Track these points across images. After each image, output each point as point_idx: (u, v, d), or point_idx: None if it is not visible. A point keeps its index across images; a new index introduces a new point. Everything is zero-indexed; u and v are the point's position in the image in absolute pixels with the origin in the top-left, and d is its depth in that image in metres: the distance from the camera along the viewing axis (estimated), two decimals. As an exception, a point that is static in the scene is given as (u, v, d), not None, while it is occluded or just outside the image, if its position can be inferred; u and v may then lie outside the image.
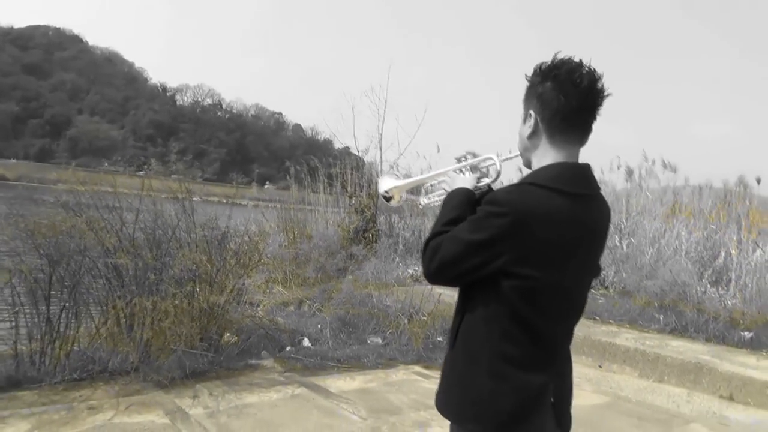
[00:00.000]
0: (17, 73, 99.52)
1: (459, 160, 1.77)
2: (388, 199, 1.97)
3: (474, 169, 1.73)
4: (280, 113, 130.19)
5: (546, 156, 1.48)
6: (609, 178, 10.46)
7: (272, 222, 9.86)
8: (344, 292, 6.77)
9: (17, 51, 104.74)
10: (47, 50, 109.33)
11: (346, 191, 11.43)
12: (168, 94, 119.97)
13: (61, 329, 4.11)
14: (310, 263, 8.94)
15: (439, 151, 14.48)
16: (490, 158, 1.73)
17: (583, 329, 6.07)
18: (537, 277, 1.39)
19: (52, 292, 4.00)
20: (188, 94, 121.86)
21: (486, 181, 1.70)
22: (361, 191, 13.03)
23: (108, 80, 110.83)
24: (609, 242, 9.21)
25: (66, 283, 4.06)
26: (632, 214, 9.41)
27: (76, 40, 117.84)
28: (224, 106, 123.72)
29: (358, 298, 6.50)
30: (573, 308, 1.52)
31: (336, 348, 5.43)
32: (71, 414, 3.44)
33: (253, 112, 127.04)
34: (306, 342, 5.68)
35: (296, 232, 9.97)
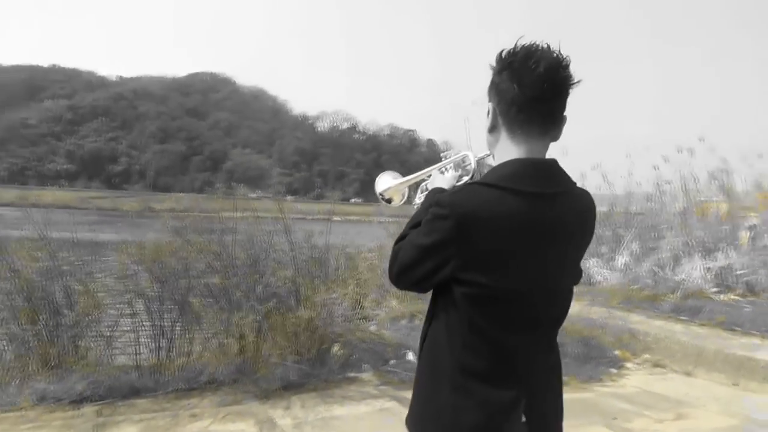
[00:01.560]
0: (182, 117, 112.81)
1: (443, 158, 1.68)
2: (388, 200, 1.85)
3: (457, 166, 1.63)
4: (414, 131, 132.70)
5: (506, 152, 1.35)
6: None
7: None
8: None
9: (181, 97, 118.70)
10: (204, 94, 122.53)
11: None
12: (308, 122, 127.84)
13: (175, 343, 4.54)
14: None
15: (566, 154, 13.84)
16: (467, 156, 1.62)
17: (717, 341, 5.39)
18: (485, 284, 1.26)
19: (163, 311, 4.42)
20: (327, 121, 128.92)
21: (465, 179, 1.59)
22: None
23: (256, 115, 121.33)
24: (758, 242, 8.12)
25: (176, 300, 4.48)
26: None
27: (227, 83, 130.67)
28: (360, 128, 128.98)
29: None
30: (539, 317, 1.35)
31: (437, 362, 5.35)
32: (175, 421, 3.76)
33: (387, 132, 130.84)
34: (410, 356, 5.66)
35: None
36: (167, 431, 3.60)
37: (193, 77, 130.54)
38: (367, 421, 3.86)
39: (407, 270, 1.37)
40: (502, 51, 1.32)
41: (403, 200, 1.87)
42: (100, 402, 3.96)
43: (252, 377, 4.43)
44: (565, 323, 4.61)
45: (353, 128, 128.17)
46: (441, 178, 1.60)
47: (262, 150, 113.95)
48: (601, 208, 14.26)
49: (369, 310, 7.63)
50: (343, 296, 4.98)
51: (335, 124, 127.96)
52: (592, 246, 11.70)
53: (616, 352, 5.82)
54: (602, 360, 5.56)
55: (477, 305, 1.29)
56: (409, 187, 1.85)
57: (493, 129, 1.38)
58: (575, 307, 7.40)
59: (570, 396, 4.55)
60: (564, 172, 1.35)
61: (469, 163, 1.61)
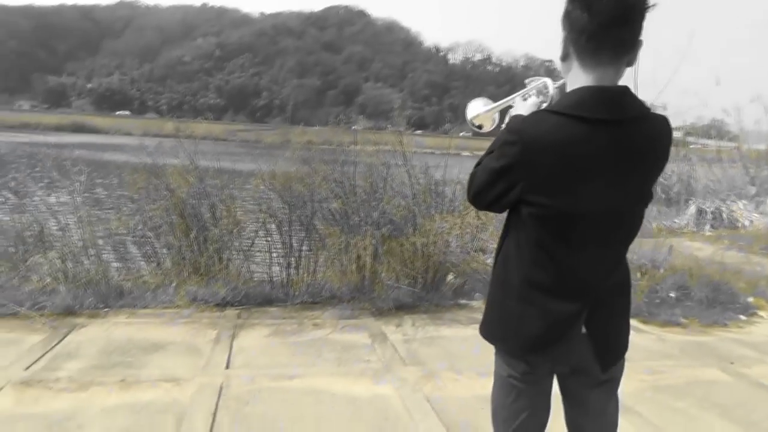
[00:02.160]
0: (318, 52, 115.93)
1: (526, 85, 1.72)
2: (479, 127, 1.86)
3: (539, 93, 1.67)
4: (551, 61, 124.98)
5: (577, 79, 1.39)
6: None
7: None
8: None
9: (317, 32, 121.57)
10: (339, 27, 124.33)
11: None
12: (441, 54, 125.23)
13: (302, 261, 5.04)
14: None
15: (718, 84, 12.43)
16: (546, 83, 1.65)
17: None
18: (549, 205, 1.36)
19: (292, 232, 4.91)
20: (459, 52, 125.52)
21: (545, 105, 1.63)
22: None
23: (388, 48, 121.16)
24: None
25: (302, 222, 4.94)
26: None
27: (361, 15, 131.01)
28: (494, 60, 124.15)
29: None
30: (604, 237, 1.41)
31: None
32: (300, 327, 4.25)
33: (522, 63, 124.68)
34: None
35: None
36: (294, 335, 4.09)
37: (328, 11, 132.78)
38: (471, 342, 4.07)
39: (481, 192, 1.50)
40: None
41: (494, 126, 1.85)
42: (239, 307, 4.57)
43: (368, 296, 4.81)
44: (693, 265, 4.45)
45: (487, 60, 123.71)
46: (523, 104, 1.66)
47: (393, 84, 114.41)
48: (758, 146, 12.80)
49: (487, 242, 7.76)
50: (458, 227, 5.12)
51: (468, 56, 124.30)
52: (739, 188, 10.68)
53: (749, 299, 5.45)
54: (731, 306, 5.25)
55: (543, 224, 1.40)
56: (500, 113, 1.88)
57: (565, 57, 1.42)
58: (707, 251, 6.96)
59: (686, 338, 4.45)
60: (635, 98, 1.37)
61: (549, 90, 1.65)
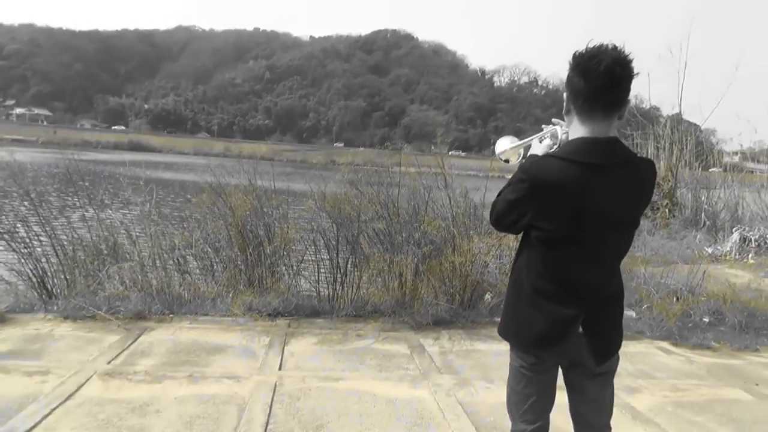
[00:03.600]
0: (364, 74, 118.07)
1: (543, 130, 2.06)
2: (506, 160, 2.23)
3: (552, 137, 2.01)
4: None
5: (576, 131, 1.74)
6: None
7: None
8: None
9: (364, 55, 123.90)
10: (386, 50, 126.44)
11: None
12: (486, 77, 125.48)
13: (347, 278, 5.42)
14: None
15: (768, 111, 12.32)
16: (557, 130, 1.98)
17: None
18: (551, 230, 1.71)
19: (339, 249, 5.30)
20: (505, 75, 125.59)
21: (555, 147, 1.96)
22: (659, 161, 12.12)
23: (434, 70, 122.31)
24: None
25: (348, 240, 5.33)
26: None
27: (408, 39, 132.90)
28: (540, 83, 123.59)
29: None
30: (597, 256, 1.73)
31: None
32: (344, 337, 4.62)
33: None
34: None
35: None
36: (339, 344, 4.46)
37: (376, 34, 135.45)
38: (505, 356, 4.29)
39: (500, 218, 1.86)
40: (575, 51, 1.69)
41: (519, 160, 2.21)
42: (289, 317, 4.97)
43: (408, 311, 5.14)
44: (728, 292, 4.67)
45: (533, 82, 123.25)
46: (538, 146, 2.01)
47: (438, 106, 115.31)
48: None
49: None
50: (495, 248, 5.40)
51: (514, 78, 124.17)
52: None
53: (787, 327, 5.51)
54: (764, 332, 5.34)
55: (546, 245, 1.74)
56: (524, 150, 2.22)
57: (567, 112, 1.78)
58: (745, 278, 7.00)
59: (714, 360, 4.64)
60: (623, 146, 1.71)
61: (558, 135, 1.99)
